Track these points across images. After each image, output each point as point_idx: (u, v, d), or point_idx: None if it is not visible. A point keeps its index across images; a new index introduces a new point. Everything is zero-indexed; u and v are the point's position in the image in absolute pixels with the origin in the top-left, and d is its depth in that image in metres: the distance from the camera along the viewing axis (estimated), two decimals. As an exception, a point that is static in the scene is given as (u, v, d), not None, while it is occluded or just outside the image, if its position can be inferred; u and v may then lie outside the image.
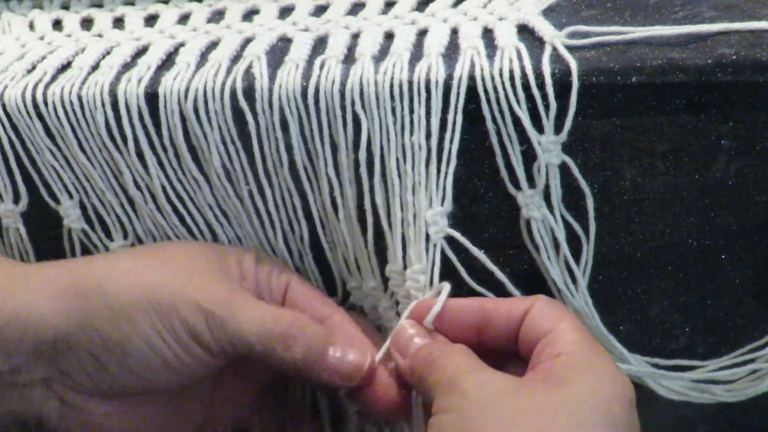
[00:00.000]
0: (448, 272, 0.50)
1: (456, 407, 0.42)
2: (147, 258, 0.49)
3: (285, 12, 0.58)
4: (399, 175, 0.49)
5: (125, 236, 0.54)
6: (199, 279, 0.48)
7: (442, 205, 0.49)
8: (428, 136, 0.48)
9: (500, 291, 0.50)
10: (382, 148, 0.49)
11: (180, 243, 0.53)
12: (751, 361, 0.52)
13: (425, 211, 0.49)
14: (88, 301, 0.47)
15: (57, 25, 0.60)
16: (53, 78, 0.52)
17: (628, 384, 0.43)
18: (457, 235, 0.49)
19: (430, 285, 0.49)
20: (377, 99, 0.48)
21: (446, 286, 0.49)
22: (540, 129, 0.48)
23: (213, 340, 0.47)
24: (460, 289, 0.50)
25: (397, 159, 0.49)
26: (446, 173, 0.49)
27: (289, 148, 0.50)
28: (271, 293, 0.51)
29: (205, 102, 0.50)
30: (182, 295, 0.47)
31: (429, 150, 0.49)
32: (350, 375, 0.49)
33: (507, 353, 0.47)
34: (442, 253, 0.50)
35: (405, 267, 0.50)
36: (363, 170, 0.50)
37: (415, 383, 0.47)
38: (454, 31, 0.52)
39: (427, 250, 0.49)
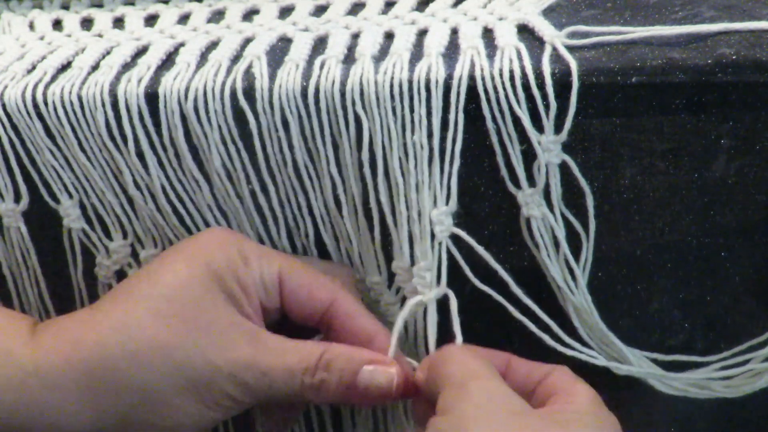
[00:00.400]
0: (452, 270, 0.50)
1: (459, 410, 0.42)
2: (158, 325, 0.47)
3: (285, 12, 0.58)
4: (402, 174, 0.49)
5: (125, 236, 0.54)
6: (220, 339, 0.47)
7: (447, 204, 0.50)
8: (430, 135, 0.49)
9: (503, 289, 0.50)
10: (384, 148, 0.49)
11: (175, 281, 0.48)
12: (750, 359, 0.53)
13: (429, 209, 0.49)
14: (118, 395, 0.47)
15: (57, 25, 0.60)
16: (53, 78, 0.52)
17: None
18: (462, 234, 0.50)
19: (437, 282, 0.50)
20: (377, 99, 0.48)
21: (452, 300, 0.49)
22: (540, 128, 0.48)
23: (250, 399, 0.48)
24: (463, 287, 0.50)
25: (400, 158, 0.49)
26: (450, 173, 0.49)
27: (291, 147, 0.50)
28: (267, 293, 0.50)
29: (205, 102, 0.50)
30: (213, 368, 0.47)
31: (431, 149, 0.49)
32: (381, 398, 0.49)
33: None
34: (447, 251, 0.50)
35: (412, 263, 0.50)
36: (366, 169, 0.50)
37: (426, 380, 0.47)
38: (454, 31, 0.52)
39: (432, 247, 0.50)
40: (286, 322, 0.51)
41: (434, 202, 0.49)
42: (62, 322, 0.49)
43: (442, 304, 0.50)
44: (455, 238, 0.50)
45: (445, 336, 0.49)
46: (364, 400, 0.49)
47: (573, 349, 0.51)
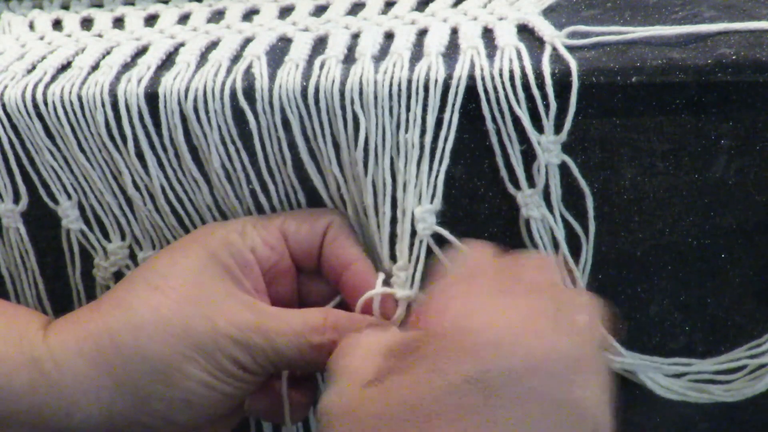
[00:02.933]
0: (431, 268, 0.49)
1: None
2: (160, 298, 0.48)
3: (285, 12, 0.58)
4: (392, 174, 0.49)
5: (123, 237, 0.54)
6: (221, 308, 0.48)
7: (431, 202, 0.49)
8: (423, 134, 0.48)
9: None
10: (376, 147, 0.49)
11: (172, 266, 0.50)
12: (749, 362, 0.53)
13: (413, 207, 0.49)
14: (132, 369, 0.47)
15: (57, 25, 0.60)
16: (53, 78, 0.52)
17: None
18: (444, 232, 0.49)
19: (412, 281, 0.49)
20: (376, 98, 0.48)
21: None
22: (540, 129, 0.48)
23: (258, 366, 0.48)
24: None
25: (392, 157, 0.49)
26: (438, 171, 0.49)
27: (291, 147, 0.50)
28: (275, 252, 0.50)
29: (205, 102, 0.50)
30: (218, 332, 0.47)
31: (422, 147, 0.49)
32: None
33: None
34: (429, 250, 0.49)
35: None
36: (359, 169, 0.50)
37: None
38: (454, 31, 0.52)
39: (411, 246, 0.49)
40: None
41: (419, 200, 0.49)
42: (74, 313, 0.50)
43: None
44: (442, 239, 0.49)
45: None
46: None
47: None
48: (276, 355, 0.48)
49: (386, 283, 0.50)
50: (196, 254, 0.49)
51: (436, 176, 0.49)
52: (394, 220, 0.50)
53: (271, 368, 0.49)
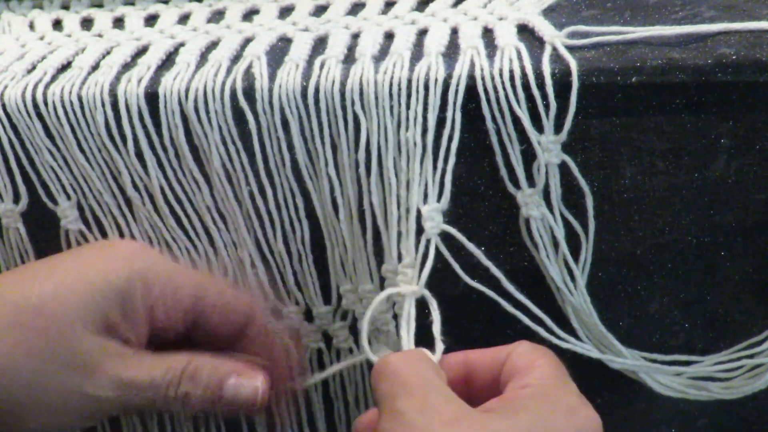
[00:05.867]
0: (445, 269, 0.49)
1: None
2: (19, 337, 0.47)
3: (285, 12, 0.58)
4: (396, 174, 0.49)
5: (121, 238, 0.54)
6: (82, 361, 0.47)
7: (438, 201, 0.49)
8: (424, 132, 0.48)
9: (497, 287, 0.50)
10: (379, 148, 0.49)
11: (51, 293, 0.48)
12: (750, 357, 0.53)
13: (418, 205, 0.49)
14: None
15: (57, 25, 0.60)
16: (53, 78, 0.52)
17: (593, 418, 0.41)
18: (453, 231, 0.49)
19: (419, 278, 0.49)
20: (376, 99, 0.48)
21: (431, 301, 0.49)
22: (540, 128, 0.48)
23: (113, 409, 0.48)
24: (456, 286, 0.50)
25: (394, 157, 0.49)
26: (444, 170, 0.49)
27: (290, 148, 0.50)
28: (170, 318, 0.49)
29: (205, 102, 0.50)
30: (70, 389, 0.47)
31: (424, 146, 0.49)
32: (249, 409, 0.49)
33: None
34: (436, 249, 0.49)
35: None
36: (362, 170, 0.50)
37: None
38: (454, 31, 0.52)
39: (418, 244, 0.49)
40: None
41: (425, 198, 0.49)
42: None
43: (446, 304, 0.50)
44: (449, 238, 0.49)
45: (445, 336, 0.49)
46: (232, 411, 0.49)
47: (568, 342, 0.51)
48: (130, 404, 0.48)
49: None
50: (83, 287, 0.48)
51: (443, 175, 0.49)
52: (400, 219, 0.50)
53: (127, 411, 0.49)
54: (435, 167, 0.49)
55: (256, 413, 0.50)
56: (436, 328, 0.47)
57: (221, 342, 0.51)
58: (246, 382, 0.49)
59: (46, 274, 0.49)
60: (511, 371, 0.44)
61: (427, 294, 0.48)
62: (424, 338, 0.48)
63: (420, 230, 0.49)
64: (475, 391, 0.46)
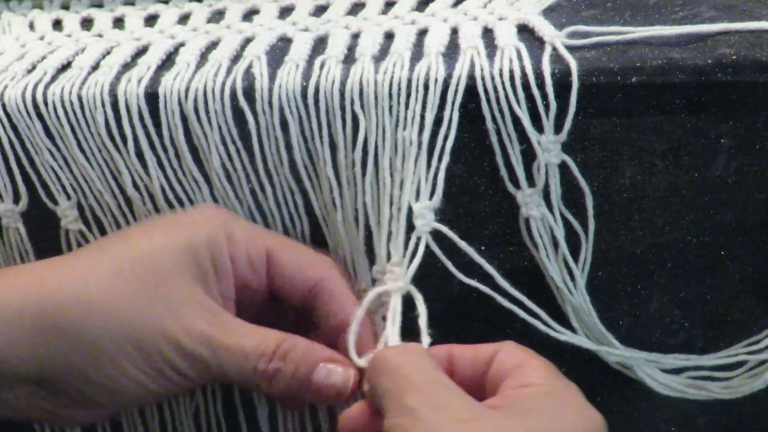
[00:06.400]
0: (444, 268, 0.49)
1: None
2: (118, 284, 0.47)
3: (285, 12, 0.58)
4: (391, 174, 0.49)
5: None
6: (177, 310, 0.47)
7: (430, 199, 0.49)
8: (420, 131, 0.48)
9: (491, 284, 0.50)
10: (376, 147, 0.49)
11: (147, 247, 0.48)
12: (749, 355, 0.53)
13: (410, 203, 0.49)
14: (66, 343, 0.46)
15: (57, 25, 0.60)
16: (53, 78, 0.52)
17: (597, 419, 0.41)
18: (444, 228, 0.49)
19: (405, 275, 0.49)
20: (376, 99, 0.49)
21: (417, 297, 0.48)
22: (540, 128, 0.48)
23: (197, 375, 0.47)
24: (450, 284, 0.50)
25: (390, 157, 0.49)
26: (438, 168, 0.49)
27: (289, 148, 0.50)
28: (253, 271, 0.50)
29: (205, 102, 0.50)
30: (164, 334, 0.46)
31: (420, 144, 0.48)
32: (335, 398, 0.48)
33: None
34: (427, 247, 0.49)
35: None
36: (357, 169, 0.50)
37: (369, 391, 0.45)
38: (454, 31, 0.52)
39: (407, 242, 0.49)
40: (270, 311, 0.51)
41: (417, 196, 0.49)
42: (33, 264, 0.50)
43: (444, 303, 0.50)
44: (441, 236, 0.49)
45: (445, 336, 0.49)
46: (317, 398, 0.49)
47: (565, 335, 0.50)
48: (218, 371, 0.47)
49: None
50: (175, 242, 0.48)
51: (436, 173, 0.49)
52: (392, 219, 0.49)
53: (208, 380, 0.48)
54: (429, 165, 0.49)
55: (341, 404, 0.48)
56: (423, 321, 0.47)
57: (297, 306, 0.50)
58: (339, 369, 0.48)
59: (141, 233, 0.49)
60: (501, 370, 0.44)
61: (413, 289, 0.48)
62: (409, 336, 0.48)
63: (412, 228, 0.49)
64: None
